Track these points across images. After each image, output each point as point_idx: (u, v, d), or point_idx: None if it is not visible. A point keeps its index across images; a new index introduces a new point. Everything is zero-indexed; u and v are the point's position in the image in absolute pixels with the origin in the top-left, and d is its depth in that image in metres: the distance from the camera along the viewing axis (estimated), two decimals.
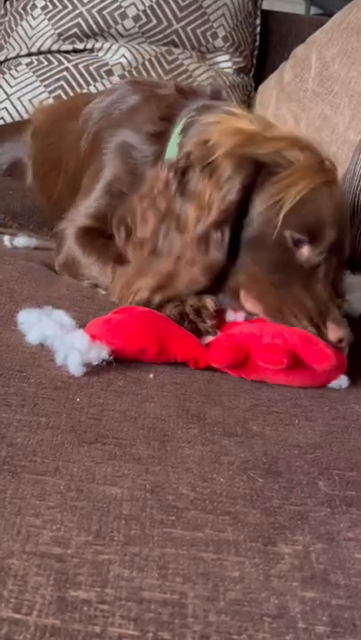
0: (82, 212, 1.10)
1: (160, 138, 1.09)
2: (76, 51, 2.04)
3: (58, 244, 1.10)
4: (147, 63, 2.01)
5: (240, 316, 0.89)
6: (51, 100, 1.94)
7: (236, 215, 0.90)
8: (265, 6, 2.24)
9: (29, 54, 2.04)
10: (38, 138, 1.54)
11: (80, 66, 1.99)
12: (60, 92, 1.96)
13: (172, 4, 2.03)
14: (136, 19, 2.02)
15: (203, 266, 0.89)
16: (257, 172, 0.90)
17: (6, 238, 1.19)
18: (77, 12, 2.01)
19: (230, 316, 0.89)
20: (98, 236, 1.07)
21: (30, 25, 2.04)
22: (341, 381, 0.83)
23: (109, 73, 1.98)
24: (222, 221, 0.89)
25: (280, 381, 0.82)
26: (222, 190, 0.89)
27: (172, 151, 1.06)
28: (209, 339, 0.85)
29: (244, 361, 0.80)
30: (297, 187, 0.89)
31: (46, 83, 1.98)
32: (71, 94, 1.95)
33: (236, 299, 0.90)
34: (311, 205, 0.90)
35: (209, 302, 0.88)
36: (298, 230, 0.89)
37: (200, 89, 1.20)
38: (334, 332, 0.84)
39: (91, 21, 2.01)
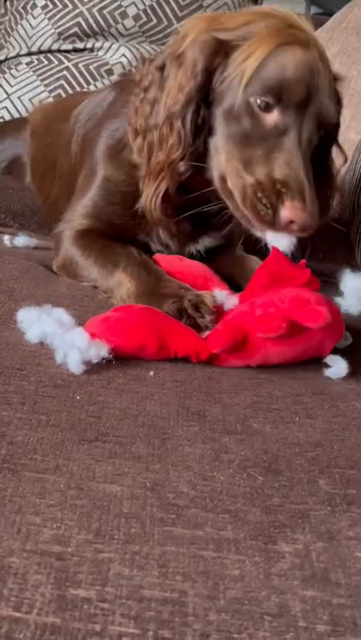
0: (79, 213, 1.10)
1: None
2: (76, 50, 2.04)
3: (55, 245, 1.10)
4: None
5: (235, 300, 0.90)
6: (50, 100, 1.94)
7: (200, 97, 0.90)
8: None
9: (29, 53, 2.04)
10: (36, 137, 1.54)
11: (80, 65, 1.99)
12: (60, 91, 1.96)
13: (173, 3, 2.03)
14: (136, 18, 2.02)
15: (176, 152, 0.91)
16: (218, 51, 0.89)
17: (6, 238, 1.20)
18: (77, 11, 2.01)
19: (228, 304, 0.89)
20: (96, 238, 1.07)
21: (30, 24, 2.04)
22: (340, 370, 0.83)
23: (110, 72, 1.98)
24: (185, 106, 0.90)
25: (283, 354, 0.82)
26: (186, 75, 0.90)
27: None
28: (208, 333, 0.85)
29: (243, 342, 0.80)
30: (257, 52, 0.87)
31: (46, 82, 1.98)
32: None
33: (225, 186, 0.91)
34: (273, 66, 0.87)
35: (207, 298, 0.88)
36: (262, 94, 0.87)
37: None
38: (286, 212, 0.82)
39: (91, 21, 2.01)
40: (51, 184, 1.36)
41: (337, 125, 0.98)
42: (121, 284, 0.96)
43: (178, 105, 0.90)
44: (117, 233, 1.07)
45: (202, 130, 0.91)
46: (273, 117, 0.87)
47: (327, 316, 0.79)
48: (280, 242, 0.87)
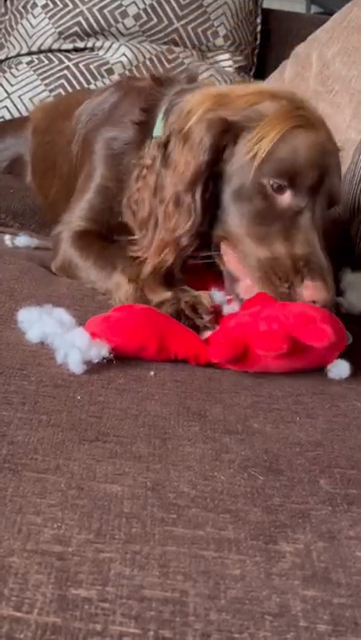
0: (77, 215, 1.10)
1: (143, 128, 1.09)
2: (76, 49, 2.04)
3: (54, 247, 1.10)
4: (147, 62, 2.01)
5: (236, 307, 0.89)
6: (51, 99, 1.94)
7: (208, 175, 0.90)
8: (266, 5, 2.24)
9: (30, 53, 2.04)
10: (37, 136, 1.54)
11: (81, 64, 1.99)
12: (60, 90, 1.97)
13: (173, 2, 2.03)
14: (137, 17, 2.02)
15: (181, 229, 0.91)
16: (227, 131, 0.90)
17: (7, 238, 1.20)
18: (78, 10, 2.01)
19: (227, 309, 0.89)
20: (94, 239, 1.07)
21: (31, 23, 2.04)
22: (342, 371, 0.83)
23: (110, 72, 1.98)
24: (193, 183, 0.90)
25: (283, 367, 0.82)
26: (193, 153, 0.91)
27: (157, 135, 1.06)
28: (208, 333, 0.85)
29: (244, 353, 0.80)
30: (270, 134, 0.88)
31: (47, 81, 1.98)
32: None
33: (220, 252, 0.92)
34: (286, 149, 0.88)
35: (205, 298, 0.88)
36: (275, 176, 0.88)
37: (176, 76, 1.20)
38: (309, 291, 0.84)
39: (91, 20, 2.01)
40: (50, 183, 1.36)
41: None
42: (119, 287, 0.96)
43: (185, 181, 0.91)
44: (114, 234, 1.07)
45: (210, 206, 0.92)
46: (286, 199, 0.88)
47: (332, 335, 0.79)
48: None
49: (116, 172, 1.09)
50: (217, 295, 0.91)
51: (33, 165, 1.53)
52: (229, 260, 0.92)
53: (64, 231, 1.09)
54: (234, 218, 0.91)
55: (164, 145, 0.95)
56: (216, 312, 0.88)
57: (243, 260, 0.90)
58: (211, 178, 0.91)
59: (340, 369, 0.83)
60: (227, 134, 0.90)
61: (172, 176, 0.92)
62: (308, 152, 0.88)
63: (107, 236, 1.07)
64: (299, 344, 0.79)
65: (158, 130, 1.06)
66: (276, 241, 0.87)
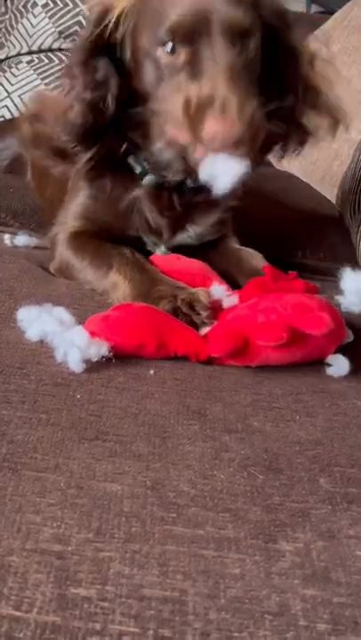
0: (70, 216, 1.10)
1: None
2: None
3: (51, 249, 1.10)
4: None
5: (235, 300, 0.89)
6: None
7: (94, 51, 0.92)
8: None
9: (30, 52, 2.04)
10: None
11: None
12: (60, 89, 1.96)
13: None
14: None
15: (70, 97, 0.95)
16: (107, 10, 0.91)
17: (7, 237, 1.19)
18: (78, 9, 2.01)
19: (227, 302, 0.89)
20: (89, 239, 1.07)
21: (31, 23, 2.04)
22: (341, 368, 0.82)
23: None
24: (79, 56, 0.94)
25: (283, 358, 0.81)
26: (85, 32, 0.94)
27: None
28: (207, 329, 0.85)
29: (244, 346, 0.80)
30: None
31: (47, 81, 1.98)
32: None
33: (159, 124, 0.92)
34: (153, 12, 0.88)
35: (202, 295, 0.88)
36: (158, 43, 0.87)
37: None
38: (208, 125, 0.80)
39: None
40: (46, 184, 1.36)
41: (274, 28, 0.92)
42: (116, 286, 0.96)
43: (74, 55, 0.95)
44: (109, 232, 1.07)
45: (104, 82, 0.93)
46: (182, 56, 0.85)
47: (330, 322, 0.79)
48: (220, 169, 0.82)
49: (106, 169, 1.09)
50: (217, 290, 0.91)
51: (32, 164, 1.53)
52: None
53: (59, 232, 1.09)
54: (141, 85, 0.92)
55: None
56: (215, 308, 0.88)
57: (167, 118, 0.89)
58: (102, 51, 0.92)
59: (339, 366, 0.83)
60: (109, 13, 0.91)
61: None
62: (179, 4, 0.85)
63: (101, 234, 1.07)
64: (298, 333, 0.80)
65: None
66: (180, 93, 0.84)
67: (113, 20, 0.90)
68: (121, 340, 0.79)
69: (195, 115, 0.82)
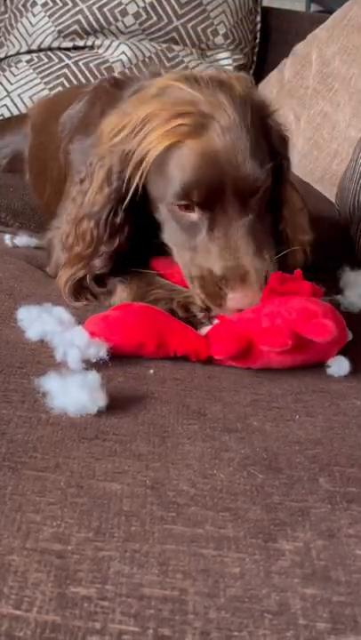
0: (66, 221, 1.10)
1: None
2: (76, 48, 2.04)
3: (47, 252, 1.10)
4: (147, 60, 2.01)
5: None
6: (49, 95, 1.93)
7: (118, 199, 0.91)
8: (265, 3, 2.24)
9: (29, 51, 2.04)
10: (33, 134, 1.54)
11: (80, 63, 1.99)
12: (60, 89, 1.96)
13: (173, 1, 2.03)
14: (136, 16, 2.02)
15: (88, 250, 0.94)
16: (128, 160, 0.89)
17: (7, 237, 1.19)
18: (78, 8, 2.01)
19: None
20: None
21: (30, 22, 2.04)
22: (342, 368, 0.82)
23: (110, 70, 1.98)
24: (102, 208, 0.92)
25: (285, 362, 0.81)
26: (105, 179, 0.92)
27: None
28: (206, 329, 0.84)
29: (247, 349, 0.80)
30: (151, 151, 0.87)
31: (46, 80, 1.98)
32: None
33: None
34: (173, 166, 0.86)
35: (195, 308, 0.88)
36: (174, 198, 0.87)
37: (137, 75, 1.20)
38: (231, 303, 0.84)
39: (91, 18, 2.01)
40: (44, 185, 1.36)
41: (281, 166, 0.95)
42: (113, 291, 0.96)
43: (96, 206, 0.92)
44: None
45: (122, 228, 0.92)
46: (194, 216, 0.87)
47: (333, 330, 0.79)
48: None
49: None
50: None
51: (30, 164, 1.53)
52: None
53: (55, 237, 1.09)
54: (164, 231, 0.92)
55: (90, 164, 0.96)
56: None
57: (186, 276, 0.91)
58: (121, 201, 0.91)
59: (340, 366, 0.83)
60: (129, 163, 0.89)
61: (88, 198, 0.94)
62: (194, 167, 0.85)
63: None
64: (301, 339, 0.79)
65: None
66: (201, 258, 0.88)
67: (137, 174, 0.89)
68: (121, 340, 0.79)
69: (215, 287, 0.85)
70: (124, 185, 0.90)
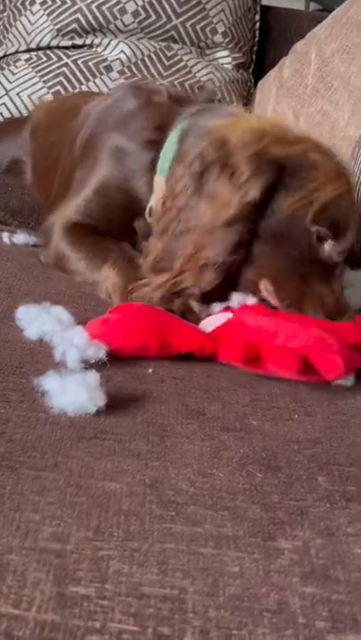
0: (72, 209, 1.10)
1: (154, 146, 1.09)
2: (75, 46, 2.03)
3: (45, 238, 1.10)
4: (146, 59, 2.00)
5: (250, 300, 0.90)
6: (50, 96, 1.93)
7: (255, 214, 0.91)
8: (264, 2, 2.23)
9: (28, 50, 2.04)
10: (38, 135, 1.53)
11: (79, 61, 1.99)
12: (58, 87, 1.96)
13: None
14: (135, 14, 2.01)
15: (215, 264, 0.90)
16: (278, 174, 0.92)
17: (5, 235, 1.20)
18: (76, 7, 2.00)
19: (235, 301, 0.90)
20: (87, 232, 1.07)
21: (29, 20, 2.04)
22: (347, 381, 0.82)
23: (108, 69, 1.98)
24: (238, 220, 0.90)
25: (288, 376, 0.81)
26: (241, 190, 0.90)
27: (166, 159, 1.06)
28: (212, 325, 0.84)
29: (254, 358, 0.80)
30: (325, 190, 0.93)
31: (45, 78, 1.98)
32: (70, 90, 1.95)
33: (254, 292, 0.92)
34: (336, 208, 0.94)
35: (195, 305, 0.89)
36: (324, 226, 0.92)
37: (193, 95, 1.21)
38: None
39: (90, 17, 2.00)
40: (52, 182, 1.36)
41: None
42: (107, 278, 0.96)
43: (226, 217, 0.90)
44: (109, 231, 1.07)
45: (245, 243, 0.92)
46: (327, 248, 0.93)
47: (343, 370, 0.77)
48: None
49: (118, 180, 1.10)
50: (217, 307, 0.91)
51: (33, 165, 1.52)
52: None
53: (56, 222, 1.09)
54: (271, 257, 0.93)
55: (200, 175, 0.94)
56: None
57: (280, 292, 0.92)
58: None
59: (345, 380, 0.82)
60: (279, 177, 0.92)
61: (209, 208, 0.91)
62: (352, 217, 0.95)
63: (101, 230, 1.07)
64: (310, 367, 0.79)
65: (170, 150, 1.05)
66: (315, 282, 0.92)
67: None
68: (123, 343, 0.78)
69: (335, 314, 0.91)
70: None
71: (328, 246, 0.93)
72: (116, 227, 1.08)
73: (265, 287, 0.92)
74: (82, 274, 1.02)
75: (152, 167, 1.07)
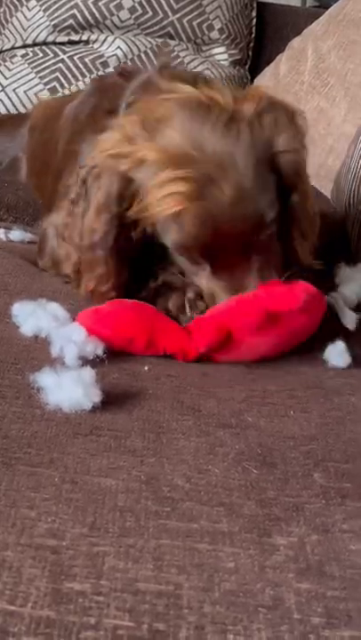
0: (62, 214, 1.09)
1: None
2: (71, 42, 2.03)
3: (40, 243, 1.08)
4: (142, 55, 2.00)
5: None
6: (46, 92, 1.93)
7: (121, 223, 0.86)
8: None
9: (24, 46, 2.04)
10: (34, 134, 1.53)
11: (75, 58, 1.99)
12: (55, 83, 1.96)
13: None
14: (132, 10, 2.01)
15: (105, 284, 0.89)
16: (129, 185, 0.85)
17: (1, 232, 1.20)
18: (73, 3, 2.00)
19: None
20: None
21: (25, 16, 2.04)
22: (341, 359, 0.82)
23: (105, 65, 1.98)
24: (105, 235, 0.87)
25: (269, 345, 0.81)
26: (103, 202, 0.87)
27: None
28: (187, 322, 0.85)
29: (227, 338, 0.80)
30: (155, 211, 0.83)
31: (41, 74, 1.98)
32: (66, 86, 1.95)
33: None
34: (173, 228, 0.84)
35: (200, 304, 0.88)
36: (176, 251, 0.87)
37: (146, 67, 1.16)
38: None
39: (86, 13, 2.00)
40: (45, 182, 1.36)
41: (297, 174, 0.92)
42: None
43: (98, 234, 0.87)
44: None
45: (129, 249, 0.89)
46: (199, 261, 0.86)
47: (301, 295, 0.79)
48: None
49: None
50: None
51: (29, 164, 1.52)
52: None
53: (49, 228, 1.07)
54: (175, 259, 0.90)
55: (83, 181, 0.90)
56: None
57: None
58: (125, 225, 0.87)
59: (339, 358, 0.82)
60: (130, 188, 0.85)
61: (86, 223, 0.89)
62: (194, 234, 0.82)
63: None
64: (275, 316, 0.79)
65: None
66: (205, 294, 0.87)
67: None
68: (111, 334, 0.79)
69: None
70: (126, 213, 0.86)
71: (204, 269, 0.86)
72: None
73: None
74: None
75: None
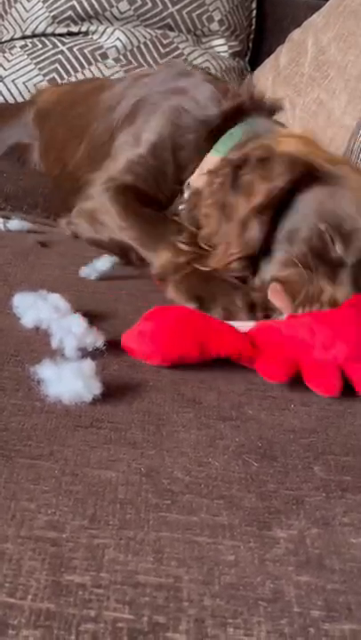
0: (122, 168, 1.13)
1: (216, 127, 1.12)
2: (70, 34, 2.02)
3: (86, 193, 1.11)
4: (142, 46, 1.99)
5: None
6: (45, 83, 1.92)
7: (278, 206, 0.94)
8: None
9: (24, 37, 2.03)
10: (52, 114, 1.54)
11: (74, 49, 1.98)
12: (54, 74, 1.95)
13: None
14: (131, 2, 2.00)
15: (239, 244, 0.94)
16: (307, 175, 0.95)
17: (0, 221, 1.19)
18: None
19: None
20: (136, 200, 1.09)
21: (25, 7, 2.02)
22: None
23: (104, 56, 1.97)
24: (265, 207, 0.94)
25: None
26: (270, 182, 0.94)
27: (229, 141, 1.09)
28: (246, 327, 0.83)
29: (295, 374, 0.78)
30: (348, 199, 0.95)
31: (40, 66, 1.97)
32: (66, 77, 1.94)
33: (264, 291, 0.92)
34: (350, 212, 0.95)
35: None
36: (335, 227, 0.93)
37: (263, 100, 1.21)
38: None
39: (85, 4, 1.99)
40: (74, 152, 1.37)
41: None
42: (160, 256, 0.99)
43: (254, 206, 0.94)
44: (160, 202, 1.11)
45: (267, 238, 0.95)
46: (338, 249, 0.93)
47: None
48: None
49: (173, 143, 1.11)
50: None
51: (45, 142, 1.53)
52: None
53: (99, 179, 1.10)
54: (284, 255, 0.94)
55: (237, 167, 0.98)
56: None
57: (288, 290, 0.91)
58: (276, 211, 0.95)
59: None
60: (304, 177, 0.95)
61: (242, 199, 0.96)
62: None
63: (146, 195, 1.09)
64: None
65: (237, 135, 1.09)
66: (323, 280, 0.91)
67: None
68: (163, 358, 0.76)
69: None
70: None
71: (338, 247, 0.93)
72: (159, 193, 1.10)
73: (274, 288, 0.91)
74: (134, 239, 1.04)
75: (209, 139, 1.10)
